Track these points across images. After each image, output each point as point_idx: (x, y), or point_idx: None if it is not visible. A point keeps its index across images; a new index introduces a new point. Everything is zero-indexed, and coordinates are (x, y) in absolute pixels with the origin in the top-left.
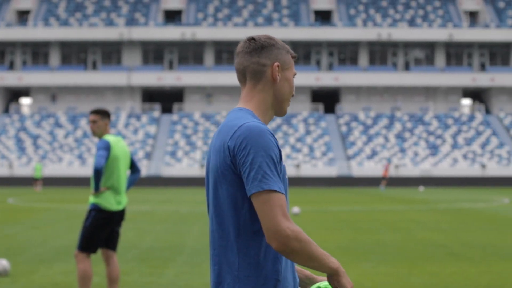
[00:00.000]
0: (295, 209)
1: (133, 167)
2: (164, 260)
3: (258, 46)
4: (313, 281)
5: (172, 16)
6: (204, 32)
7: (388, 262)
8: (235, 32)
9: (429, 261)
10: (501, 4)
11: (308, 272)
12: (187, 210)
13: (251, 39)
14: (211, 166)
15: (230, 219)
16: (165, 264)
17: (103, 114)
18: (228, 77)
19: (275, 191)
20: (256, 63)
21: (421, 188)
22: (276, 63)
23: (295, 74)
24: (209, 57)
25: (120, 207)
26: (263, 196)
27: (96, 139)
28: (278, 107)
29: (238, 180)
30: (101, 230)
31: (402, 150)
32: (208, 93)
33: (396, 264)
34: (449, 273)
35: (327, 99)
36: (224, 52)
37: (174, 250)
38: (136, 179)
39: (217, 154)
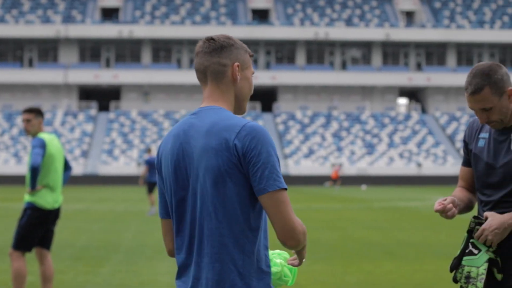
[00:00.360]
0: None
1: (65, 164)
2: (99, 259)
3: (218, 46)
4: None
5: (109, 14)
6: (141, 30)
7: (324, 261)
8: (173, 30)
9: (364, 260)
10: (437, 4)
11: None
12: (124, 209)
13: (210, 39)
14: (205, 166)
15: (234, 217)
16: (101, 263)
17: (37, 112)
18: (165, 76)
19: (286, 189)
20: (216, 63)
21: (364, 187)
22: (236, 63)
23: (253, 73)
24: (146, 55)
25: (56, 206)
26: (278, 195)
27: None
28: (238, 106)
29: (243, 179)
30: (36, 229)
31: (339, 149)
32: (145, 91)
33: (332, 262)
34: (384, 272)
35: (264, 98)
36: (161, 50)
37: (109, 249)
38: (68, 176)
39: (214, 154)
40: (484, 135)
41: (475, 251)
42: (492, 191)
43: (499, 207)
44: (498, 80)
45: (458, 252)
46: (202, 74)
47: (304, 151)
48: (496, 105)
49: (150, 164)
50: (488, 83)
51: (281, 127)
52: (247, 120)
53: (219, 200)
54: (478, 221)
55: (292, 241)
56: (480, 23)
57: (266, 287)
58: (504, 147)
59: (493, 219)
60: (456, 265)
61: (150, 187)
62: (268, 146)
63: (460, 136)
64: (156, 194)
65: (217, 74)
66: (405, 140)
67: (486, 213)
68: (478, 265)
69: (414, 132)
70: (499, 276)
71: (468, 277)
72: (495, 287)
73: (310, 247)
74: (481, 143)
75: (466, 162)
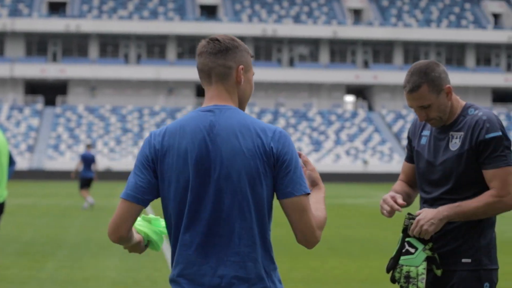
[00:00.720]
0: None
1: (9, 159)
2: (44, 254)
3: (223, 48)
4: None
5: (57, 8)
6: (89, 25)
7: None
8: (120, 25)
9: (310, 256)
10: (385, 3)
11: None
12: (69, 204)
13: (215, 40)
14: (240, 167)
15: (263, 217)
16: (45, 258)
17: None
18: (113, 70)
19: (309, 194)
20: (222, 65)
21: None
22: (240, 66)
23: (253, 74)
24: (93, 50)
25: (0, 200)
26: (303, 199)
27: None
28: (240, 108)
29: (271, 182)
30: None
31: None
32: (92, 86)
33: (277, 259)
34: (330, 268)
35: None
36: (108, 45)
37: (54, 244)
38: (12, 171)
39: (251, 156)
40: (426, 132)
41: (412, 250)
42: (432, 188)
43: (438, 204)
44: (436, 77)
45: (394, 252)
46: (206, 75)
47: None
48: (434, 103)
49: (85, 159)
50: (425, 81)
51: None
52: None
53: (254, 200)
54: (412, 217)
55: (312, 244)
56: (427, 22)
57: (279, 281)
58: (443, 145)
59: (428, 211)
60: (393, 265)
61: (84, 182)
62: (294, 151)
63: (406, 134)
64: (91, 189)
65: (222, 76)
66: (351, 138)
67: (419, 211)
68: (416, 264)
69: (361, 130)
70: (438, 272)
71: (407, 277)
72: (436, 283)
73: None
74: (423, 140)
75: (409, 158)
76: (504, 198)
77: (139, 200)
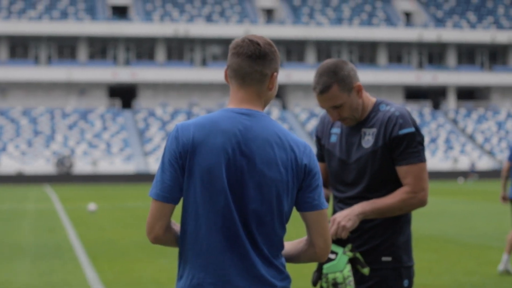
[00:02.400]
0: (92, 206)
1: None
2: None
3: (263, 54)
4: None
5: None
6: None
7: None
8: (30, 26)
9: None
10: (297, 2)
11: None
12: None
13: (256, 44)
14: (271, 176)
15: (283, 227)
16: None
17: None
18: (23, 72)
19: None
20: (259, 72)
21: None
22: (275, 73)
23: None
24: (3, 52)
25: None
26: (325, 212)
27: None
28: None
29: (295, 195)
30: None
31: None
32: (2, 88)
33: None
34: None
35: (124, 94)
36: (18, 46)
37: None
38: None
39: (284, 167)
40: (336, 130)
41: (333, 256)
42: (346, 187)
43: (353, 203)
44: (345, 76)
45: (316, 264)
46: (240, 77)
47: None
48: (346, 102)
49: None
50: (335, 80)
51: (141, 124)
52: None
53: (278, 210)
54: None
55: (327, 255)
56: (339, 21)
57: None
58: (355, 142)
59: (342, 211)
60: (318, 276)
61: None
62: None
63: None
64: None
65: (257, 81)
66: None
67: (333, 216)
68: (340, 269)
69: None
70: (365, 270)
71: (335, 284)
72: (358, 282)
73: None
74: (333, 138)
75: (320, 157)
76: (418, 194)
77: (169, 199)
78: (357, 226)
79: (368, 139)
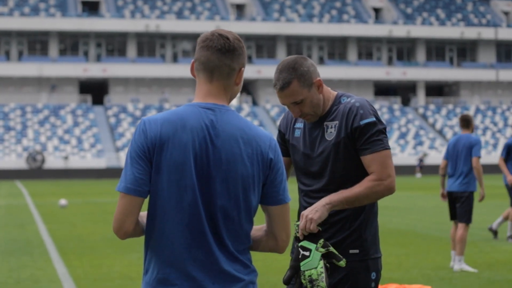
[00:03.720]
0: (62, 202)
1: None
2: None
3: (232, 49)
4: None
5: None
6: None
7: None
8: (1, 22)
9: None
10: None
11: None
12: None
13: (225, 38)
14: (238, 171)
15: (250, 222)
16: None
17: None
18: None
19: None
20: (228, 66)
21: None
22: (242, 68)
23: None
24: None
25: None
26: (288, 206)
27: None
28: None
29: (260, 189)
30: None
31: None
32: None
33: None
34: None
35: (95, 90)
36: None
37: None
38: None
39: (250, 162)
40: (299, 125)
41: (307, 253)
42: (312, 181)
43: (319, 196)
44: (305, 72)
45: (291, 261)
46: (208, 70)
47: None
48: (306, 97)
49: None
50: (295, 77)
51: (112, 120)
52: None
53: (245, 205)
54: (297, 220)
55: (286, 248)
56: (309, 17)
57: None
58: (318, 136)
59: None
60: (292, 274)
61: None
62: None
63: None
64: None
65: (225, 75)
66: None
67: (301, 213)
68: (315, 266)
69: None
70: (341, 263)
71: (311, 281)
72: (330, 275)
73: (141, 241)
74: (297, 133)
75: (284, 152)
76: (384, 181)
77: (140, 192)
78: (324, 220)
79: (330, 132)
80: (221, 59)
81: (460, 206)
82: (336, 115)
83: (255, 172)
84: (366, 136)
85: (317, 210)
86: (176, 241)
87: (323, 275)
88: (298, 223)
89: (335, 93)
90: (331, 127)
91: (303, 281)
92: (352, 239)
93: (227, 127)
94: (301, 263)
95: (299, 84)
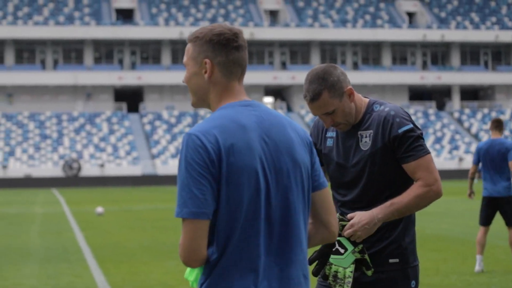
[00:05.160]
0: (99, 209)
1: None
2: None
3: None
4: None
5: None
6: (4, 31)
7: None
8: (36, 31)
9: None
10: (300, 4)
11: None
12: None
13: (241, 33)
14: (299, 160)
15: (308, 211)
16: None
17: None
18: (29, 76)
19: None
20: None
21: None
22: None
23: None
24: (9, 56)
25: None
26: (328, 189)
27: None
28: None
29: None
30: None
31: None
32: (9, 93)
33: None
34: None
35: (130, 98)
36: (24, 51)
37: None
38: None
39: (303, 148)
40: (331, 134)
41: (342, 250)
42: (347, 191)
43: (356, 206)
44: (335, 82)
45: (321, 246)
46: (241, 70)
47: (171, 151)
48: (338, 107)
49: None
50: (325, 87)
51: (147, 127)
52: None
53: (307, 193)
54: (343, 219)
55: (337, 234)
56: (343, 22)
57: None
58: (353, 146)
59: (362, 215)
60: (317, 258)
61: None
62: None
63: None
64: None
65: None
66: None
67: (350, 214)
68: (345, 265)
69: None
70: (369, 272)
71: (335, 277)
72: (365, 285)
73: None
74: (329, 142)
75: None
76: (433, 186)
77: (207, 215)
78: None
79: (365, 142)
80: (246, 57)
81: (506, 211)
82: (371, 123)
83: (307, 157)
84: (406, 144)
85: (367, 227)
86: (254, 250)
87: (350, 279)
88: (343, 222)
89: (367, 100)
90: (366, 137)
91: (327, 271)
92: (392, 248)
93: (272, 119)
94: (332, 256)
95: (330, 94)
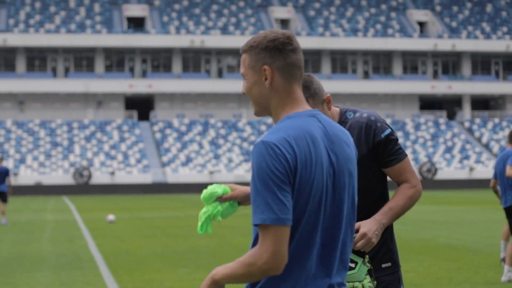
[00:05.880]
0: (111, 217)
1: None
2: None
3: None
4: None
5: None
6: (16, 39)
7: (203, 268)
8: (47, 39)
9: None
10: (311, 13)
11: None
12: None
13: (294, 37)
14: (352, 174)
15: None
16: None
17: None
18: (41, 84)
19: None
20: None
21: None
22: None
23: None
24: (20, 64)
25: None
26: None
27: None
28: None
29: None
30: None
31: (216, 157)
32: (20, 100)
33: (212, 270)
34: None
35: (141, 106)
36: (36, 59)
37: None
38: None
39: (354, 164)
40: None
41: (352, 265)
42: None
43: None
44: (317, 90)
45: None
46: (300, 71)
47: (181, 159)
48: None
49: None
50: (310, 95)
51: (158, 135)
52: None
53: (355, 206)
54: None
55: None
56: (354, 31)
57: None
58: None
59: (368, 223)
60: None
61: (1, 196)
62: None
63: None
64: (8, 204)
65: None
66: None
67: (361, 231)
68: (360, 279)
69: None
70: (375, 283)
71: None
72: None
73: (191, 255)
74: None
75: None
76: (417, 186)
77: (290, 221)
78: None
79: None
80: (302, 58)
81: None
82: (348, 131)
83: (356, 169)
84: (389, 148)
85: (377, 233)
86: (308, 258)
87: None
88: None
89: (338, 109)
90: None
91: None
92: (383, 253)
93: (334, 132)
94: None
95: (314, 102)
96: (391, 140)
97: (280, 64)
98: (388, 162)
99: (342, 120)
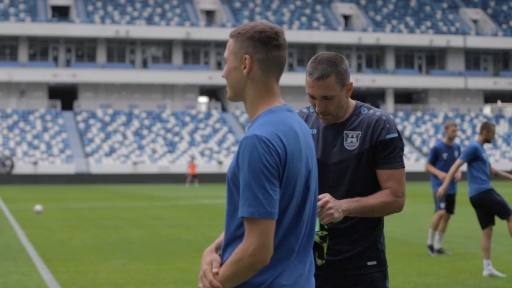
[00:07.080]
0: (38, 207)
1: None
2: None
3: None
4: None
5: None
6: None
7: (137, 259)
8: None
9: (177, 257)
10: (237, 4)
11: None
12: None
13: (282, 33)
14: (315, 165)
15: None
16: None
17: None
18: None
19: None
20: None
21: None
22: None
23: None
24: None
25: None
26: None
27: None
28: None
29: None
30: None
31: (140, 147)
32: None
33: (145, 261)
34: (198, 269)
35: (64, 95)
36: None
37: None
38: None
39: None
40: (312, 131)
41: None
42: (325, 190)
43: None
44: (343, 70)
45: None
46: (280, 68)
47: (105, 150)
48: (337, 95)
49: None
50: (335, 71)
51: (81, 125)
52: None
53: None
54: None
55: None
56: (279, 23)
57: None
58: (336, 144)
59: (333, 198)
60: None
61: None
62: None
63: None
64: None
65: None
66: (206, 139)
67: (322, 195)
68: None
69: (215, 130)
70: (319, 261)
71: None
72: (350, 286)
73: (123, 246)
74: None
75: None
76: (399, 199)
77: (276, 215)
78: (334, 226)
79: (351, 141)
80: (286, 56)
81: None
82: (359, 125)
83: None
84: (388, 151)
85: (339, 211)
86: (293, 252)
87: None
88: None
89: (354, 102)
90: (352, 137)
91: None
92: (369, 251)
93: (304, 126)
94: None
95: (336, 80)
96: (394, 145)
97: (261, 57)
98: (380, 164)
99: (355, 113)
